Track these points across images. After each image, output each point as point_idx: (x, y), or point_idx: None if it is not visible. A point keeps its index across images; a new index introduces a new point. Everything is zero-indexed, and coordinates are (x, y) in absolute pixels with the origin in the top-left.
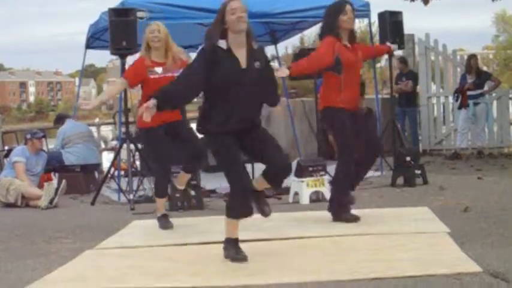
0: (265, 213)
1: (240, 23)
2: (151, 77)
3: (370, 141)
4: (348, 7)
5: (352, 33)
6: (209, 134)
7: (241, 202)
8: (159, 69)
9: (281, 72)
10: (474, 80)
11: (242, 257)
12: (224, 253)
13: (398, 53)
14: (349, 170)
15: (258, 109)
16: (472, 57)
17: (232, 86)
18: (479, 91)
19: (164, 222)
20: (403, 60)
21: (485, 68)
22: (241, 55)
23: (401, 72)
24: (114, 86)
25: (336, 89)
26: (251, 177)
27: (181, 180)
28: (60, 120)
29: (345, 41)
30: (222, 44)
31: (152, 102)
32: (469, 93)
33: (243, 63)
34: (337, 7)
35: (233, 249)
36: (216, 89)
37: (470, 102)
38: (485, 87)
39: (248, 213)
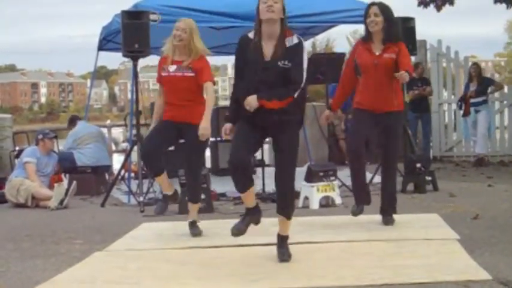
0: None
1: (267, 12)
2: (162, 74)
3: (386, 152)
4: (372, 9)
5: (385, 34)
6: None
7: (233, 176)
8: (172, 67)
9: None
10: (476, 88)
11: (237, 227)
12: None
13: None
14: (353, 171)
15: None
16: (472, 65)
17: (253, 76)
18: (481, 98)
19: (164, 204)
20: (418, 66)
21: (496, 76)
22: (269, 47)
23: (414, 77)
24: (159, 96)
25: (357, 90)
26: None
27: (192, 212)
28: (73, 121)
29: (376, 43)
30: (251, 34)
31: (226, 126)
32: (472, 100)
33: (268, 55)
34: (365, 10)
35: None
36: (245, 78)
37: (472, 109)
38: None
39: (240, 188)
